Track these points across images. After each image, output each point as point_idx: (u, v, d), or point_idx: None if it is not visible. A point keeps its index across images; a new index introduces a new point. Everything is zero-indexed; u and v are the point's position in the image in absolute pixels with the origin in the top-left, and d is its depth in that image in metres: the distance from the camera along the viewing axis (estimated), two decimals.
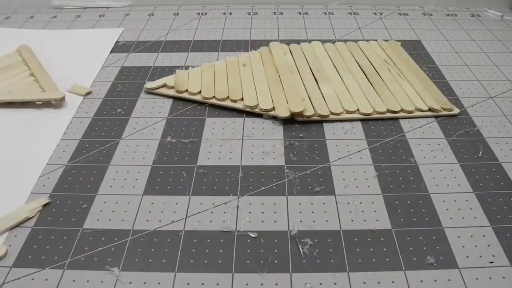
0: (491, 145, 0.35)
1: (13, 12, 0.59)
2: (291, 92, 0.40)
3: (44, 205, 0.30)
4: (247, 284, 0.26)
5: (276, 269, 0.26)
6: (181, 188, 0.32)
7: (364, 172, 0.33)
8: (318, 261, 0.27)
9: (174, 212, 0.30)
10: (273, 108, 0.39)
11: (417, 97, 0.40)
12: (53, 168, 0.34)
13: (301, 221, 0.29)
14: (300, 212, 0.30)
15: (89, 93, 0.42)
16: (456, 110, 0.39)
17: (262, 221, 0.29)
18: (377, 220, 0.29)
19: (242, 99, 0.40)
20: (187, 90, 0.41)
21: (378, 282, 0.26)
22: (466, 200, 0.30)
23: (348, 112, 0.39)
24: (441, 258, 0.27)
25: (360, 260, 0.27)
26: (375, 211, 0.30)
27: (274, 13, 0.58)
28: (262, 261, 0.27)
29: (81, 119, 0.39)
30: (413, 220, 0.29)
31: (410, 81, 0.42)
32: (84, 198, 0.31)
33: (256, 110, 0.39)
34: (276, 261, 0.27)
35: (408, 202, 0.30)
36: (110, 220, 0.29)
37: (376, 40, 0.50)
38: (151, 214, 0.30)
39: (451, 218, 0.29)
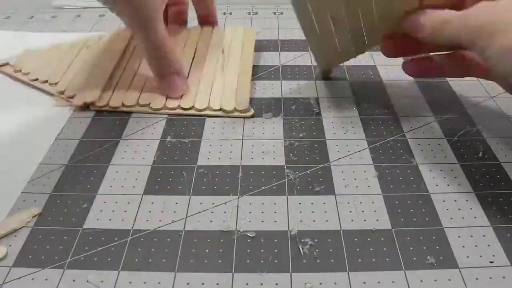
0: (491, 145, 0.35)
1: (13, 12, 0.59)
2: (97, 79, 0.40)
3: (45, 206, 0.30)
4: (247, 284, 0.26)
5: (276, 269, 0.26)
6: (181, 188, 0.32)
7: (364, 172, 0.33)
8: (318, 261, 0.27)
9: (174, 212, 0.30)
10: (74, 96, 0.39)
11: (220, 94, 0.39)
12: (53, 168, 0.34)
13: (301, 221, 0.29)
14: (300, 212, 0.30)
15: None
16: (251, 112, 0.38)
17: (262, 221, 0.29)
18: (377, 220, 0.29)
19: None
20: (20, 70, 0.42)
21: (378, 282, 0.26)
22: (466, 200, 0.30)
23: (140, 105, 0.39)
24: (441, 258, 0.27)
25: (360, 260, 0.27)
26: (375, 211, 0.30)
27: (274, 13, 0.58)
28: (262, 261, 0.27)
29: (81, 119, 0.39)
30: (413, 220, 0.29)
31: (228, 75, 0.41)
32: (84, 198, 0.31)
33: (62, 96, 0.40)
34: (276, 261, 0.27)
35: (408, 202, 0.31)
36: (110, 220, 0.29)
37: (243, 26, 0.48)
38: (151, 214, 0.30)
39: (451, 218, 0.29)
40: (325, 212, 0.30)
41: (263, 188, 0.32)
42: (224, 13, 0.58)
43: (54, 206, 0.30)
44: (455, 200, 0.31)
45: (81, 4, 0.61)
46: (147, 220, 0.29)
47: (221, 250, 0.27)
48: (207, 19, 0.49)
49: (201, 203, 0.31)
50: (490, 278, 0.26)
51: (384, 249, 0.27)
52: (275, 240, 0.28)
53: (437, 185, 0.32)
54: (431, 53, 0.37)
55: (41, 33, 0.54)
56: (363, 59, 0.47)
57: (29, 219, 0.29)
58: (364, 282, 0.26)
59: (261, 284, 0.26)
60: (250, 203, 0.30)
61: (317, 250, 0.27)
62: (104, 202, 0.31)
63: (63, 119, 0.39)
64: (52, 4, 0.61)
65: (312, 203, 0.30)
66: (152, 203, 0.31)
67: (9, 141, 0.36)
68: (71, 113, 0.39)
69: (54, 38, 0.52)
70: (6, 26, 0.56)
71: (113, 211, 0.30)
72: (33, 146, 0.35)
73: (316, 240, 0.28)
